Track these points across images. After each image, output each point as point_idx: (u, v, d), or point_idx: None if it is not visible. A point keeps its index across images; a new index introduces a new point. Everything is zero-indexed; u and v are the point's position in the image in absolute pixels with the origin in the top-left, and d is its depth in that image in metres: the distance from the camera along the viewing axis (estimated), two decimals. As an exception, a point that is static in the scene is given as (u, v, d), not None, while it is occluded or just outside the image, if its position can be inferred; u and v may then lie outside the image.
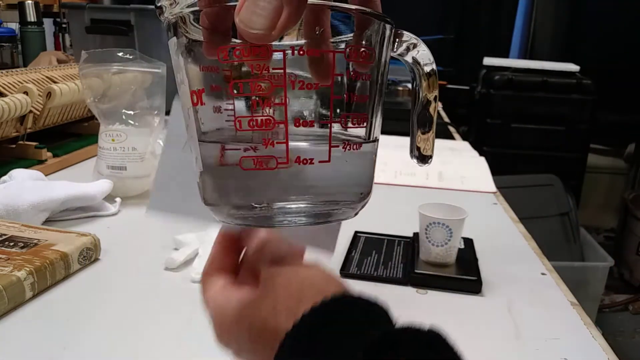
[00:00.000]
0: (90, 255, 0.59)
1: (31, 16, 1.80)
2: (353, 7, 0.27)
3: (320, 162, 0.28)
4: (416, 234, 0.66)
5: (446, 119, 1.79)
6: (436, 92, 0.33)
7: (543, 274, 0.63)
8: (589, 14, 2.69)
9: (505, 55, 2.81)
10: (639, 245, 2.29)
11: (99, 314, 0.50)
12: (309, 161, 0.28)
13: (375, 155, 0.32)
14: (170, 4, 0.28)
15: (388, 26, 0.29)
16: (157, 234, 0.67)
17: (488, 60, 2.45)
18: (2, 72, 0.96)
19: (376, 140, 0.31)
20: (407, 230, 0.69)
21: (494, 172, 1.05)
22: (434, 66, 0.32)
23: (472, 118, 2.50)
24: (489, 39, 2.80)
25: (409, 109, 0.34)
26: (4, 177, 0.75)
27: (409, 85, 1.59)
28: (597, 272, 1.73)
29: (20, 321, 0.48)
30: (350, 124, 0.29)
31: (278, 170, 0.27)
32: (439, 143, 1.31)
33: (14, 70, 1.01)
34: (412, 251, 0.64)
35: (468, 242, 0.66)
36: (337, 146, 0.28)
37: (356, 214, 0.32)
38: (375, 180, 0.33)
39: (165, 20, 0.29)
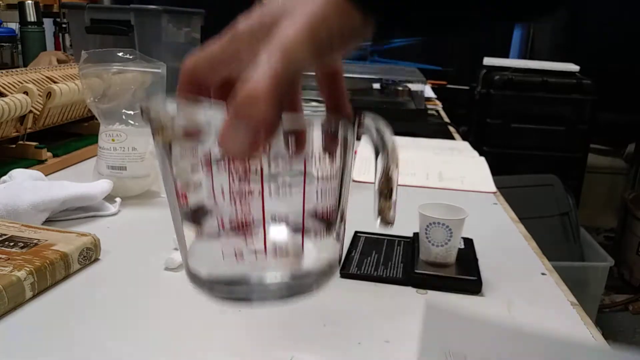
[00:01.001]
0: (90, 255, 0.59)
1: (31, 16, 1.80)
2: (325, 116, 0.33)
3: (294, 254, 0.33)
4: (416, 234, 0.66)
5: (446, 119, 1.79)
6: (397, 162, 0.36)
7: (543, 274, 0.63)
8: (589, 14, 2.69)
9: (505, 55, 2.81)
10: (639, 245, 2.29)
11: (99, 314, 0.50)
12: (284, 253, 0.33)
13: (344, 231, 0.37)
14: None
15: (355, 119, 0.34)
16: (157, 234, 0.67)
17: (488, 60, 2.45)
18: (2, 72, 0.96)
19: (344, 219, 0.36)
20: (407, 230, 0.69)
21: (494, 172, 1.05)
22: (393, 140, 0.35)
23: (472, 118, 2.50)
24: (489, 39, 2.80)
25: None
26: (4, 177, 0.75)
27: (409, 85, 1.59)
28: (597, 272, 1.73)
29: (20, 321, 0.48)
30: (321, 211, 0.33)
31: (256, 260, 0.32)
32: (440, 143, 1.31)
33: (14, 70, 1.01)
34: (412, 251, 0.64)
35: (468, 242, 0.66)
36: (310, 236, 0.33)
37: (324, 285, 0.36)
38: (376, 180, 0.36)
39: (152, 122, 0.32)
